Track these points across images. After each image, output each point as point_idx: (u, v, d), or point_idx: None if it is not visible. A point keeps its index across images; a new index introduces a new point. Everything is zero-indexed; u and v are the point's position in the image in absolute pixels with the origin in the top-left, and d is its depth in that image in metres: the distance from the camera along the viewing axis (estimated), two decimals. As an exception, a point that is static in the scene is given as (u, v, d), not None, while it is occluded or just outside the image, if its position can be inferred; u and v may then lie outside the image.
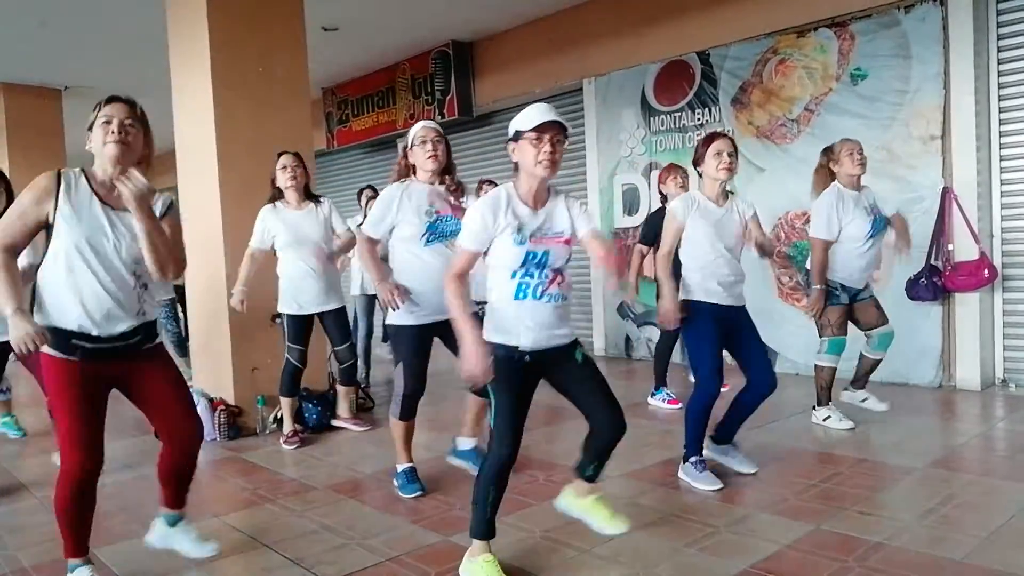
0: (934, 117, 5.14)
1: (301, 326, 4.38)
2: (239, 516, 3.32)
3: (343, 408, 4.85)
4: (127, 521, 3.31)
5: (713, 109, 6.37)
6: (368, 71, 9.35)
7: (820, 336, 4.28)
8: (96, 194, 2.43)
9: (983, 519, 2.88)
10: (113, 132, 2.39)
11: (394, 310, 3.29)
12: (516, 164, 2.48)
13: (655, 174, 6.76)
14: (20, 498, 3.75)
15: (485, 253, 2.48)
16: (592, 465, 2.66)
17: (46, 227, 2.38)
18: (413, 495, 3.42)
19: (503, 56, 8.04)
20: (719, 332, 3.38)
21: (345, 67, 9.15)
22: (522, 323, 2.43)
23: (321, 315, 4.41)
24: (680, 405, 4.81)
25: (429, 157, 3.34)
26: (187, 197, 5.25)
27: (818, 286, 4.13)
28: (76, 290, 2.37)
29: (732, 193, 3.52)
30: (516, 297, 2.43)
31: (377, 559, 2.77)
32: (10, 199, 3.80)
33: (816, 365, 4.35)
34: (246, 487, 3.74)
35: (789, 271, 5.95)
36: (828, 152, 4.22)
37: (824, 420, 4.32)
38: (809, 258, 4.24)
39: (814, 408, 4.41)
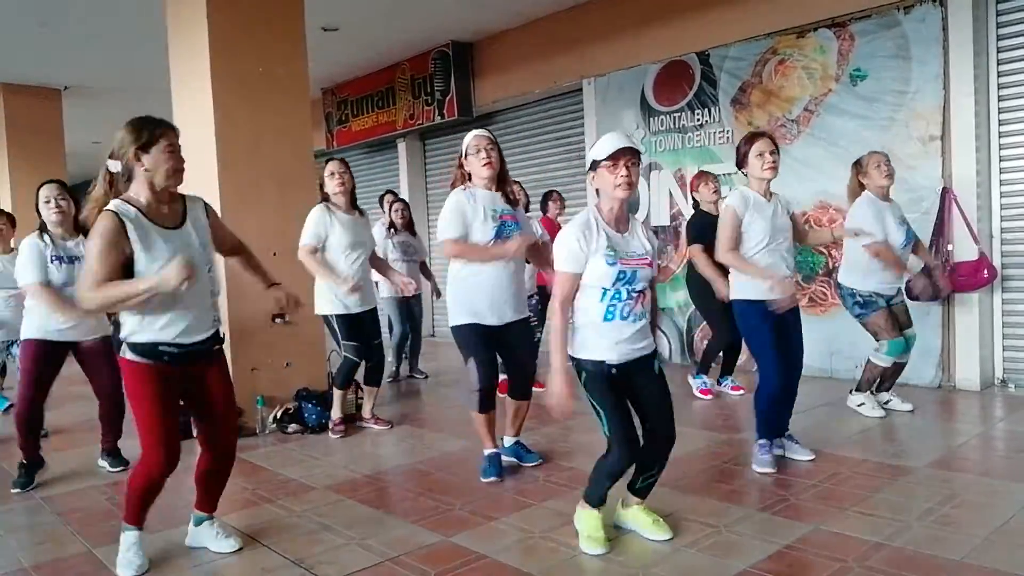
0: (934, 118, 5.14)
1: (353, 323, 4.51)
2: (239, 516, 3.32)
3: (366, 408, 4.87)
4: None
5: (713, 109, 6.37)
6: (368, 71, 9.35)
7: (877, 340, 4.42)
8: (152, 219, 2.57)
9: (983, 519, 2.89)
10: (182, 159, 2.64)
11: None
12: (597, 191, 2.70)
13: (655, 175, 6.80)
14: (20, 498, 3.75)
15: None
16: (641, 479, 2.84)
17: (126, 261, 2.51)
18: (489, 479, 3.58)
19: (503, 56, 8.04)
20: (774, 328, 3.54)
21: (345, 67, 9.15)
22: (610, 342, 2.63)
23: (361, 314, 4.53)
24: (710, 396, 5.18)
25: (484, 164, 3.50)
26: (187, 197, 5.25)
27: (904, 272, 4.33)
28: (169, 308, 2.57)
29: (773, 193, 3.66)
30: (605, 319, 2.63)
31: (377, 559, 2.77)
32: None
33: (871, 361, 4.49)
34: (246, 487, 3.73)
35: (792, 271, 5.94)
36: (857, 166, 4.41)
37: (859, 406, 4.53)
38: (843, 273, 4.46)
39: (851, 392, 4.61)
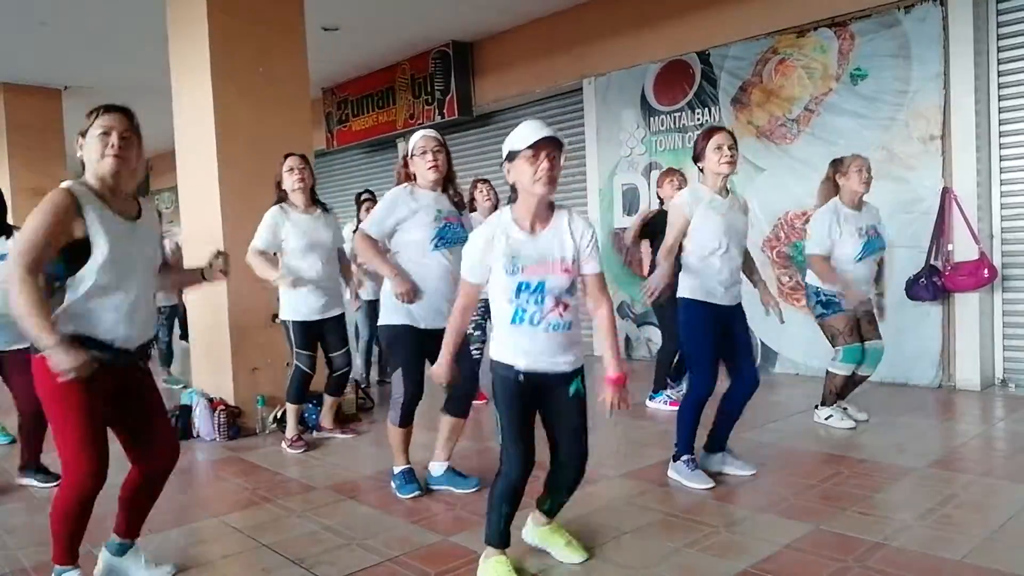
0: (934, 117, 5.13)
1: (310, 332, 4.29)
2: (239, 516, 3.32)
3: (327, 418, 4.68)
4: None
5: (713, 109, 6.37)
6: (368, 71, 9.35)
7: (833, 346, 4.28)
8: (106, 206, 2.38)
9: (983, 519, 2.88)
10: (112, 146, 2.36)
11: (409, 302, 3.26)
12: (513, 186, 2.42)
13: (655, 174, 6.77)
14: (20, 498, 3.75)
15: None
16: (549, 501, 2.67)
17: (70, 244, 2.30)
18: (411, 495, 3.41)
19: (503, 56, 8.04)
20: (715, 332, 3.38)
21: (345, 67, 9.15)
22: (519, 347, 2.40)
23: (323, 321, 4.30)
24: None
25: (430, 168, 3.31)
26: (187, 197, 5.25)
27: (840, 287, 4.09)
28: (107, 302, 2.35)
29: (731, 191, 3.51)
30: (512, 322, 2.39)
31: (377, 559, 2.77)
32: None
33: (828, 371, 4.35)
34: (246, 487, 3.73)
35: (789, 270, 5.95)
36: (838, 164, 4.23)
37: (826, 419, 4.33)
38: (811, 273, 4.25)
39: (816, 407, 4.42)
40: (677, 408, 4.80)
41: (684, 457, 3.46)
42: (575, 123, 7.56)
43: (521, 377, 2.40)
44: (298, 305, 4.23)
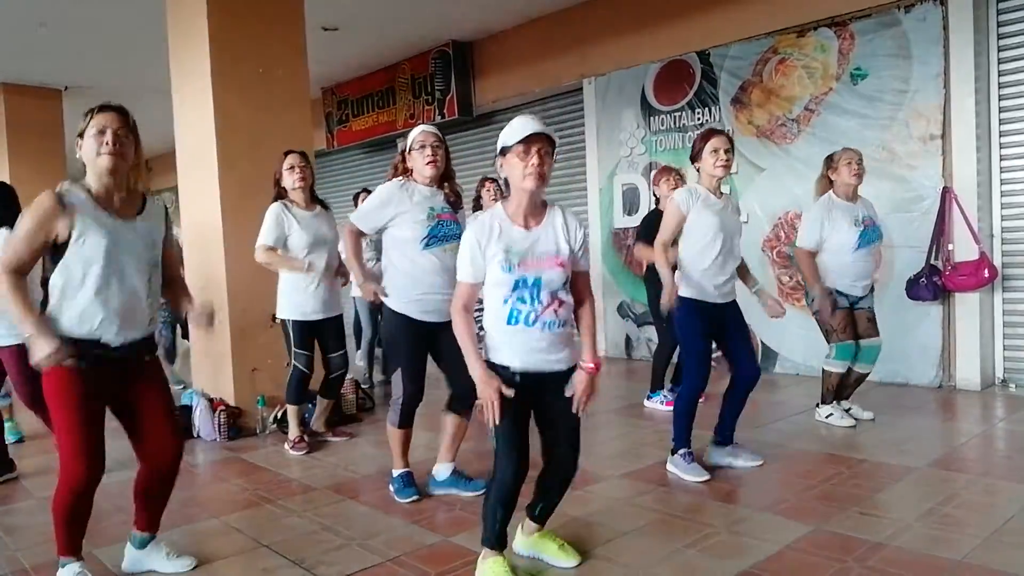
0: (934, 117, 5.13)
1: (308, 332, 4.25)
2: (239, 516, 3.32)
3: (319, 421, 4.64)
4: (125, 521, 3.29)
5: (713, 109, 6.37)
6: (368, 71, 9.35)
7: (828, 342, 4.30)
8: (100, 206, 2.43)
9: (983, 519, 2.88)
10: (107, 144, 2.39)
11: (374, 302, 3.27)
12: (506, 181, 2.41)
13: (655, 174, 6.78)
14: (20, 498, 3.75)
15: None
16: (540, 505, 2.64)
17: (54, 245, 2.38)
18: (408, 500, 3.37)
19: (503, 56, 8.04)
20: (709, 328, 3.46)
21: (345, 67, 9.15)
22: (514, 348, 2.38)
23: (322, 321, 4.25)
24: None
25: (428, 163, 3.28)
26: (187, 197, 5.25)
27: (817, 290, 4.14)
28: (93, 300, 2.39)
29: (724, 192, 3.59)
30: (508, 322, 2.37)
31: (377, 559, 2.77)
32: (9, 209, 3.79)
33: (824, 369, 4.37)
34: (246, 487, 3.73)
35: (789, 270, 5.95)
36: (828, 160, 4.27)
37: (827, 417, 4.35)
38: (838, 257, 4.22)
39: (817, 406, 4.44)
40: (671, 408, 4.87)
41: (681, 451, 3.52)
42: (575, 123, 7.56)
43: (517, 378, 2.38)
44: (299, 303, 4.19)
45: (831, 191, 4.24)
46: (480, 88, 8.38)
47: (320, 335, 4.33)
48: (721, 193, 3.53)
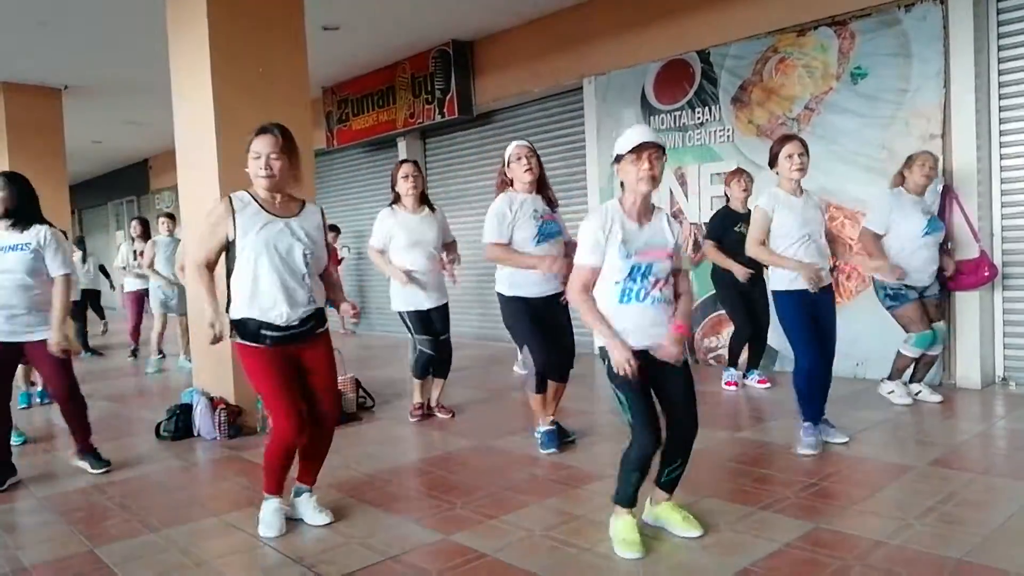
0: (934, 116, 5.13)
1: (423, 319, 4.75)
2: (239, 515, 3.31)
3: (434, 397, 5.06)
4: (128, 520, 3.31)
5: (713, 108, 6.37)
6: (368, 70, 9.35)
7: (907, 332, 4.66)
8: (263, 208, 2.94)
9: (984, 517, 2.88)
10: (262, 169, 2.89)
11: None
12: (622, 184, 2.72)
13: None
14: (20, 498, 3.75)
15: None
16: (668, 472, 2.81)
17: (228, 244, 2.92)
18: (548, 452, 3.98)
19: (503, 55, 8.04)
20: (808, 314, 3.77)
21: (345, 66, 9.15)
22: (630, 325, 2.62)
23: (431, 310, 4.74)
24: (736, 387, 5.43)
25: (527, 171, 3.88)
26: (187, 197, 5.25)
27: (879, 263, 4.32)
28: (262, 288, 2.89)
29: (805, 190, 3.87)
30: (621, 301, 2.64)
31: (378, 558, 2.77)
32: (23, 197, 3.90)
33: (900, 352, 4.72)
34: (247, 486, 3.73)
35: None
36: (908, 160, 4.67)
37: (888, 393, 4.76)
38: (900, 257, 4.53)
39: (882, 381, 4.86)
40: (731, 387, 5.42)
41: (805, 424, 3.86)
42: (575, 123, 7.57)
43: (636, 355, 2.59)
44: (409, 296, 4.70)
45: (901, 186, 4.63)
46: (480, 87, 8.38)
47: (429, 323, 4.81)
48: (802, 191, 3.83)
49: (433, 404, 5.06)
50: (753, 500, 3.21)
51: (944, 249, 4.73)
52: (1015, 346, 5.17)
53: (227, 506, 3.46)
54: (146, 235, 8.57)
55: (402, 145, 9.52)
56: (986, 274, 4.89)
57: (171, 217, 8.16)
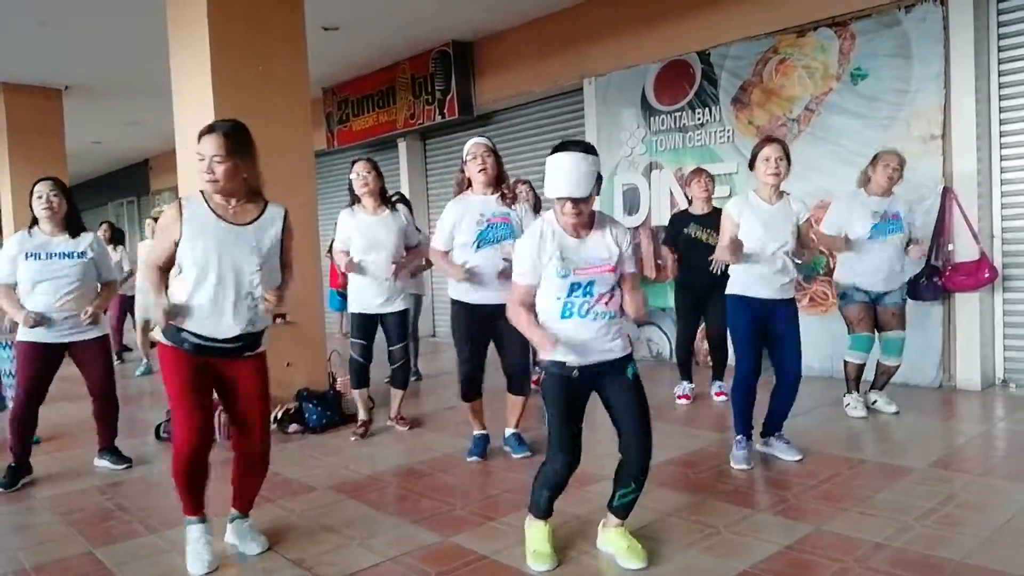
0: (934, 117, 5.13)
1: (364, 323, 4.59)
2: (239, 516, 3.31)
3: (394, 408, 4.89)
4: (128, 521, 3.31)
5: (713, 109, 6.36)
6: (368, 71, 9.35)
7: (848, 334, 4.56)
8: (215, 212, 2.70)
9: (984, 519, 2.88)
10: (204, 173, 2.65)
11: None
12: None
13: (655, 174, 6.80)
14: (21, 498, 3.75)
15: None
16: (617, 495, 2.67)
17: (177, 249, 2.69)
18: (471, 459, 3.97)
19: (503, 56, 8.04)
20: (757, 323, 3.65)
21: (345, 67, 9.15)
22: (569, 341, 2.50)
23: (383, 316, 4.58)
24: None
25: (480, 171, 3.77)
26: (187, 197, 5.25)
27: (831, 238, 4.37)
28: (197, 300, 2.67)
29: (786, 193, 3.74)
30: (562, 317, 2.52)
31: (377, 559, 2.77)
32: (72, 205, 3.97)
33: (844, 359, 4.63)
34: (246, 487, 3.72)
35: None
36: (873, 158, 4.50)
37: (845, 406, 4.62)
38: (851, 258, 4.45)
39: (844, 396, 4.71)
40: (683, 401, 5.15)
41: (737, 436, 3.72)
42: (575, 123, 7.56)
43: (575, 372, 2.52)
44: (358, 297, 4.54)
45: (862, 187, 4.49)
46: (480, 88, 8.38)
47: (383, 328, 4.66)
48: (781, 194, 3.70)
49: (392, 415, 4.88)
50: (752, 502, 3.21)
51: (910, 242, 4.49)
52: (1015, 348, 5.16)
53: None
54: (113, 239, 7.98)
55: (402, 146, 9.52)
56: (986, 276, 4.89)
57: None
